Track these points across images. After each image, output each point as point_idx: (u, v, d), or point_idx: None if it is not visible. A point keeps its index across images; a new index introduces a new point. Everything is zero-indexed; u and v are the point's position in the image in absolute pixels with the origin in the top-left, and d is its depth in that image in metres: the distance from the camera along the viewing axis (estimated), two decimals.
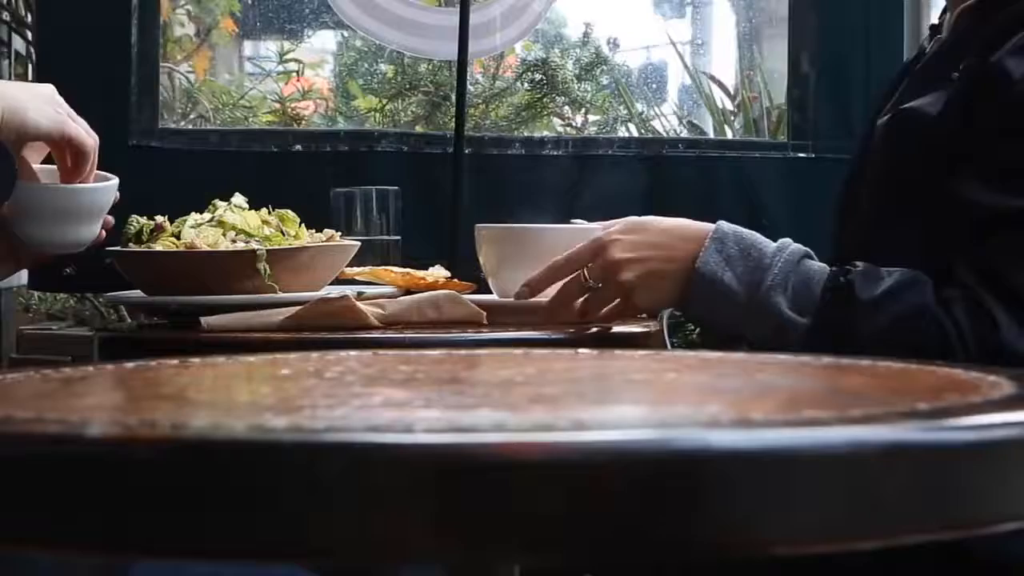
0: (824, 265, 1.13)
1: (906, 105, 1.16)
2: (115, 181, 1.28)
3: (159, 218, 1.42)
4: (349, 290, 1.39)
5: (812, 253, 1.15)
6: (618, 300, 1.22)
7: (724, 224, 1.17)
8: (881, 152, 1.21)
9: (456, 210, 1.88)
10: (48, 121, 1.19)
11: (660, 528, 0.43)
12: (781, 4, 2.44)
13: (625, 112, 2.95)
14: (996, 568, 1.00)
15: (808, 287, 1.10)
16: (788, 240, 1.16)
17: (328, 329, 1.28)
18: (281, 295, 1.34)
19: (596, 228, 1.28)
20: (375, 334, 1.28)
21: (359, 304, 1.30)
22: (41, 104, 1.19)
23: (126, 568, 1.01)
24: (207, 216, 1.42)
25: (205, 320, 1.30)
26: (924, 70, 1.22)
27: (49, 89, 1.23)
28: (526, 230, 1.43)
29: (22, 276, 2.21)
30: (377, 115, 2.79)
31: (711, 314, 1.17)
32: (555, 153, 2.36)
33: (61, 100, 1.22)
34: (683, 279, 1.15)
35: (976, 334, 1.03)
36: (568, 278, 1.24)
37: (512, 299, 1.31)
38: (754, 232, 1.17)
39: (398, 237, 1.74)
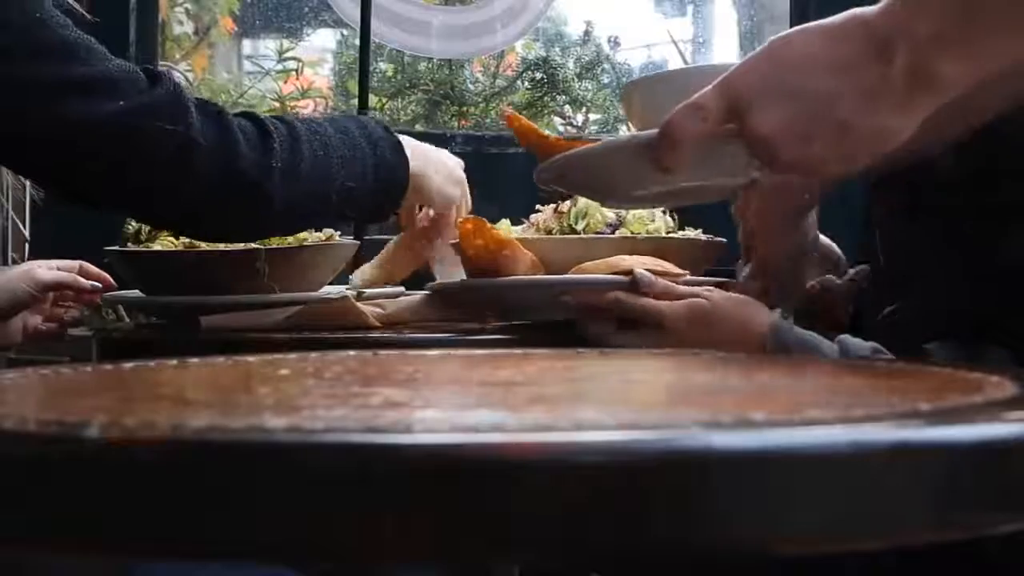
0: (892, 359, 1.08)
1: None
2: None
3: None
4: (349, 290, 1.39)
5: (879, 347, 1.10)
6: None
7: (780, 326, 1.15)
8: None
9: None
10: (443, 201, 1.37)
11: (660, 528, 0.43)
12: (782, 2, 2.45)
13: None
14: (1000, 568, 1.00)
15: None
16: (847, 337, 1.13)
17: (328, 329, 1.28)
18: (280, 295, 1.34)
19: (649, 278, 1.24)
20: (375, 334, 1.28)
21: (359, 304, 1.30)
22: (445, 180, 1.36)
23: (129, 569, 1.01)
24: None
25: (204, 320, 1.30)
26: None
27: (457, 164, 1.39)
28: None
29: None
30: (377, 114, 2.79)
31: None
32: None
33: (463, 177, 1.40)
34: None
35: None
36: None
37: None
38: (808, 332, 1.15)
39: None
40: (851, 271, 1.34)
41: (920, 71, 0.72)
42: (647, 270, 1.24)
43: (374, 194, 1.25)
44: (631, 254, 1.29)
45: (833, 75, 0.74)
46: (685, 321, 1.19)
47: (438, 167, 1.34)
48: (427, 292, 1.41)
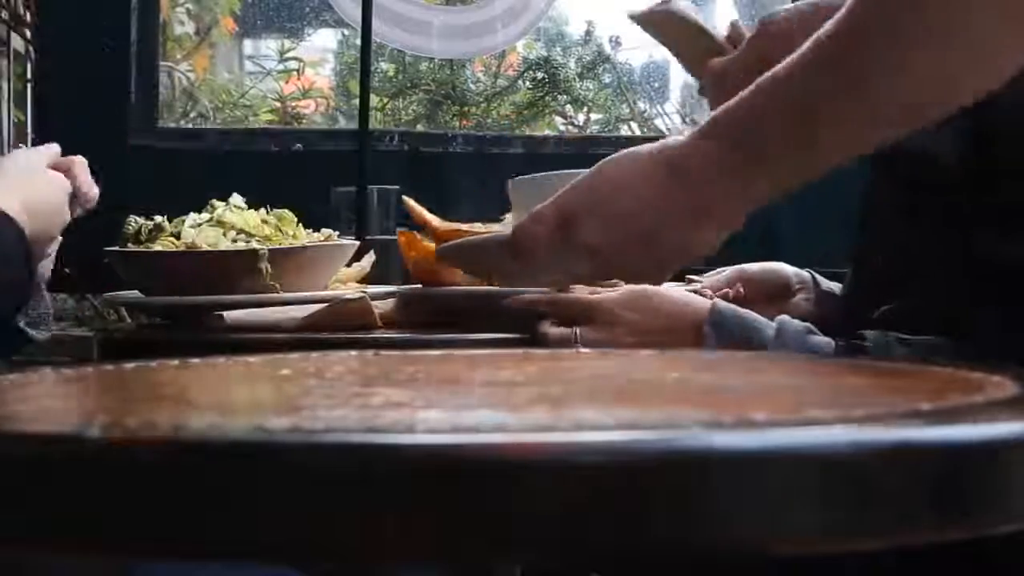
0: (828, 340, 1.12)
1: None
2: None
3: (158, 218, 1.42)
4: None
5: (813, 328, 1.14)
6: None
7: (720, 306, 1.19)
8: None
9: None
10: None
11: (660, 528, 0.43)
12: (783, 2, 2.44)
13: (627, 111, 2.95)
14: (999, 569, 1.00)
15: None
16: (785, 317, 1.16)
17: (345, 329, 1.29)
18: (282, 294, 1.34)
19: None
20: (376, 334, 1.28)
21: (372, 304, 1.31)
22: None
23: (129, 569, 1.01)
24: (206, 216, 1.42)
25: (227, 315, 1.31)
26: None
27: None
28: None
29: None
30: (378, 114, 2.79)
31: None
32: (557, 152, 2.36)
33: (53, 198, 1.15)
34: None
35: None
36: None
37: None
38: (748, 312, 1.18)
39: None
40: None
41: (704, 199, 0.85)
42: None
43: None
44: None
45: (643, 197, 0.87)
46: (620, 307, 1.21)
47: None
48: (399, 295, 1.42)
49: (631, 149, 0.89)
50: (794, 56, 0.81)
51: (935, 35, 0.76)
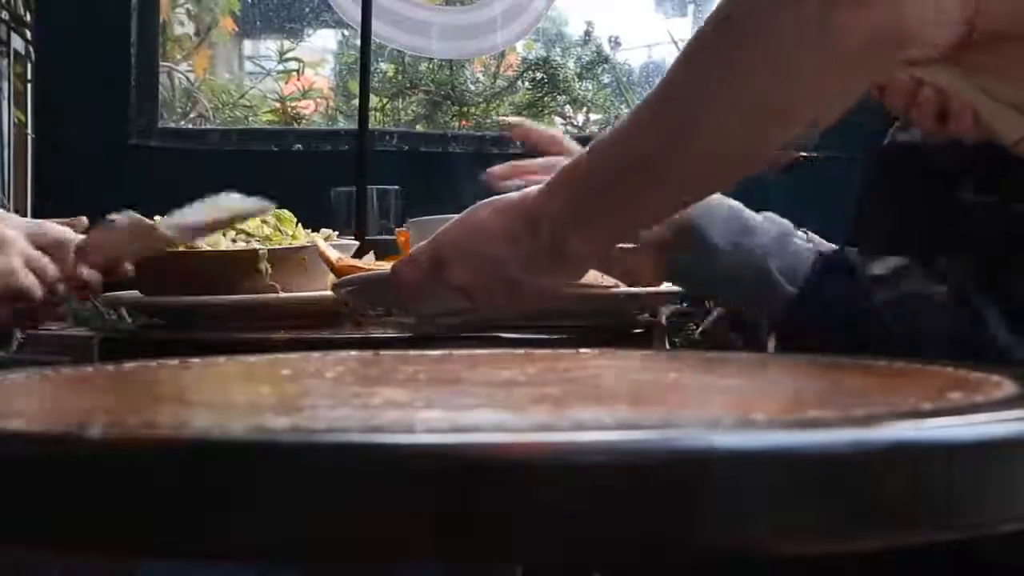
0: (808, 246, 1.15)
1: None
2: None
3: (157, 218, 1.42)
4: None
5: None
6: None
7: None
8: None
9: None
10: None
11: (660, 528, 0.43)
12: None
13: (627, 111, 2.95)
14: (1001, 570, 1.00)
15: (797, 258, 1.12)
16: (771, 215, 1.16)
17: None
18: (281, 294, 1.34)
19: None
20: (376, 334, 1.28)
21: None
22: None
23: (132, 569, 1.01)
24: None
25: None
26: None
27: (12, 235, 1.24)
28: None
29: None
30: (378, 114, 2.79)
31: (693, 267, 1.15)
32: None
33: (25, 246, 1.23)
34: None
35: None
36: None
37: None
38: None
39: None
40: None
41: (556, 246, 0.88)
42: None
43: None
44: None
45: (502, 243, 0.91)
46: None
47: None
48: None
49: (501, 196, 0.94)
50: (629, 113, 0.87)
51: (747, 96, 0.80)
